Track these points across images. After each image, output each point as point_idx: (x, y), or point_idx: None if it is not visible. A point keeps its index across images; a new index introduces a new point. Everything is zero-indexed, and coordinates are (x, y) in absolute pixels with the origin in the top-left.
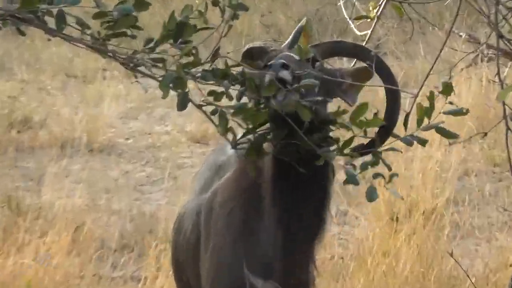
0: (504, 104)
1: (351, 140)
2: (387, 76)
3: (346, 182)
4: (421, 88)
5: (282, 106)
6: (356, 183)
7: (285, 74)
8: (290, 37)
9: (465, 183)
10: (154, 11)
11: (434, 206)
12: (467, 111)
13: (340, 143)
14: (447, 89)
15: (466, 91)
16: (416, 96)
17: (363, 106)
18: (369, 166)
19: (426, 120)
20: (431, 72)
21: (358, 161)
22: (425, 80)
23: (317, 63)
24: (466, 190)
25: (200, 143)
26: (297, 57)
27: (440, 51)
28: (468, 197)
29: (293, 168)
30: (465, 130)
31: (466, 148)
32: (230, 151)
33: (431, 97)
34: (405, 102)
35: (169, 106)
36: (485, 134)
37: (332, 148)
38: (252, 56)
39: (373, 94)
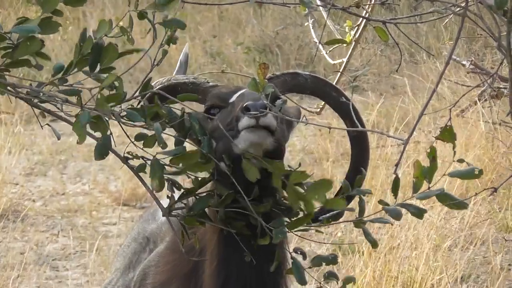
0: None
1: (308, 217)
2: (351, 115)
3: (290, 272)
4: (411, 134)
5: (252, 144)
6: (303, 282)
7: (269, 120)
8: (177, 67)
9: (469, 255)
10: (67, 37)
11: (432, 284)
12: (481, 172)
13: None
14: (447, 134)
15: (468, 136)
16: (406, 143)
17: (326, 182)
18: (324, 263)
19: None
20: (425, 112)
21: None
22: (416, 123)
23: (279, 101)
24: (471, 263)
25: (128, 205)
26: (258, 94)
27: (437, 85)
28: (475, 272)
29: (244, 244)
30: (469, 186)
31: (470, 210)
32: (162, 217)
33: (432, 153)
34: (392, 151)
35: (87, 159)
36: (495, 190)
37: (286, 220)
38: (174, 95)
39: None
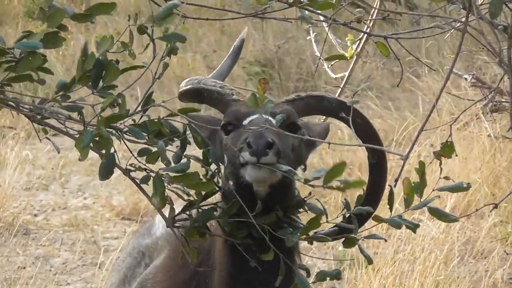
0: None
1: (317, 219)
2: (371, 138)
3: None
4: (411, 148)
5: (256, 181)
6: None
7: (270, 159)
8: (228, 56)
9: (471, 268)
10: (68, 52)
11: None
12: (469, 186)
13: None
14: (448, 149)
15: (471, 151)
16: (405, 158)
17: (340, 166)
18: (328, 278)
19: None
20: (426, 127)
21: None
22: (416, 138)
23: (298, 130)
24: (473, 277)
25: (130, 219)
26: (273, 120)
27: (437, 99)
28: (475, 286)
29: (250, 255)
30: (471, 200)
31: (472, 224)
32: (157, 232)
33: (421, 169)
34: (391, 165)
35: (89, 173)
36: (496, 205)
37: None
38: (200, 97)
39: (351, 155)
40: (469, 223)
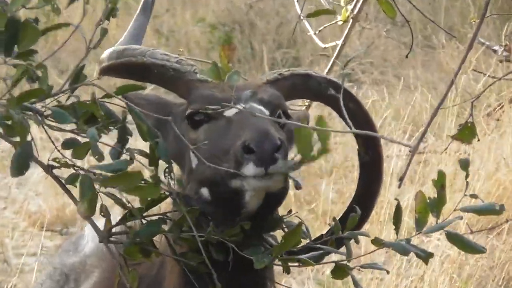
0: None
1: (296, 233)
2: (366, 129)
3: None
4: (421, 139)
5: (260, 190)
6: None
7: (281, 167)
8: (139, 9)
9: None
10: None
11: None
12: (502, 208)
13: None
14: (467, 132)
15: (500, 143)
16: (414, 150)
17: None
18: None
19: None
20: (442, 107)
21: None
22: (428, 124)
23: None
24: None
25: (53, 231)
26: (265, 111)
27: (455, 75)
28: None
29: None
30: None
31: (503, 242)
32: (86, 248)
33: (440, 180)
34: (396, 161)
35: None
36: None
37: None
38: (142, 75)
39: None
40: (496, 239)
